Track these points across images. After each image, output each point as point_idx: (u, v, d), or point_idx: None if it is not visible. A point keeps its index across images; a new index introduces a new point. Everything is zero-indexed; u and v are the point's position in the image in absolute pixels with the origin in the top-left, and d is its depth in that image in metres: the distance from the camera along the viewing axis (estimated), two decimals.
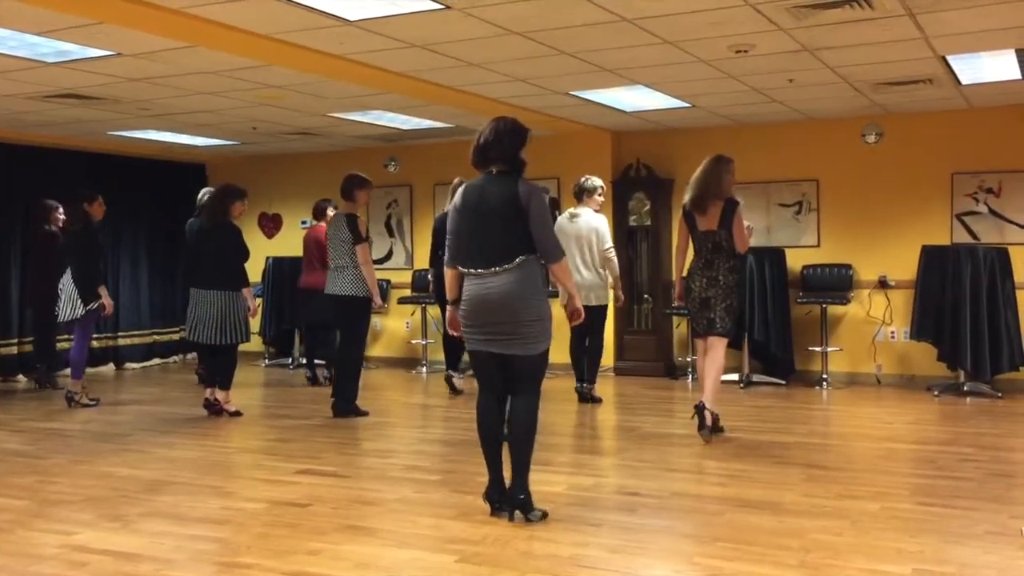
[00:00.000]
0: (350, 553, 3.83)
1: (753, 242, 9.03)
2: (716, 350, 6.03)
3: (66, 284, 7.67)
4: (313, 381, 8.90)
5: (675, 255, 6.43)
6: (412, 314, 10.51)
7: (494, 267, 4.11)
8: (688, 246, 6.19)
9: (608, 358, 9.65)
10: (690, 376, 9.08)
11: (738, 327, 6.25)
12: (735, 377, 8.78)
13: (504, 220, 4.13)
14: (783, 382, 8.65)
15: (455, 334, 4.46)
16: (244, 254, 7.15)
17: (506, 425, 4.27)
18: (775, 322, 8.58)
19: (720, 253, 5.99)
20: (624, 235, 9.58)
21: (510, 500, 4.18)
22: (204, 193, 8.01)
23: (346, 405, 6.97)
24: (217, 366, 7.27)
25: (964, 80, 7.10)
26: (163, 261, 11.19)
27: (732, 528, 4.13)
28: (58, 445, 6.22)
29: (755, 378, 8.72)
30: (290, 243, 10.74)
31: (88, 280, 7.63)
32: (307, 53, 6.01)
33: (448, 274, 4.36)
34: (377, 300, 7.03)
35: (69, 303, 7.63)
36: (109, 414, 7.54)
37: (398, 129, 9.40)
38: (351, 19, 5.33)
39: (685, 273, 6.31)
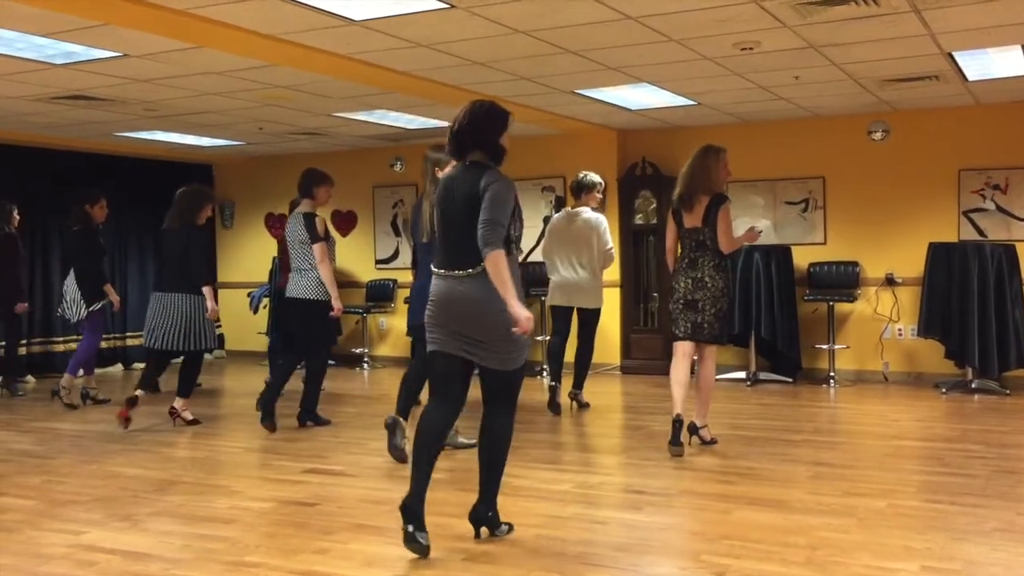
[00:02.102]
0: (357, 552, 3.85)
1: (760, 240, 9.08)
2: (709, 361, 5.72)
3: (69, 285, 7.66)
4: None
5: (666, 255, 6.00)
6: None
7: (458, 270, 3.73)
8: (677, 245, 5.85)
9: (614, 356, 9.68)
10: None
11: (725, 329, 5.89)
12: (742, 375, 8.79)
13: (468, 218, 3.70)
14: (790, 380, 8.65)
15: None
16: (207, 257, 6.91)
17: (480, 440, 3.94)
18: (782, 320, 8.57)
19: (704, 251, 5.61)
20: (630, 233, 9.59)
21: (478, 518, 3.92)
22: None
23: (308, 414, 6.70)
24: (182, 372, 6.90)
25: (971, 76, 7.08)
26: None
27: (739, 526, 4.12)
28: (66, 445, 6.25)
29: (762, 376, 8.72)
30: None
31: (90, 281, 7.61)
32: (313, 53, 6.02)
33: None
34: (336, 304, 6.52)
35: (75, 304, 7.62)
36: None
37: (404, 129, 9.41)
38: (356, 19, 5.34)
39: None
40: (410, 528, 3.67)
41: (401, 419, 5.51)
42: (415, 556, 3.76)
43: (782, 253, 8.76)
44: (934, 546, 3.80)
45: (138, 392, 6.70)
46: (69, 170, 9.91)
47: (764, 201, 9.30)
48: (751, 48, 6.10)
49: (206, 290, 6.71)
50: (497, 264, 3.60)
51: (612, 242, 7.29)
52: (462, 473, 5.17)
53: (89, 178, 9.92)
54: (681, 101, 8.01)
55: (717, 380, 8.79)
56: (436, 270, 3.85)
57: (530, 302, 9.46)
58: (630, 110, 8.45)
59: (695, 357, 5.76)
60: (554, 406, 7.13)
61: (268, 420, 6.49)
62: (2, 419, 7.30)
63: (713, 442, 5.80)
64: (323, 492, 4.85)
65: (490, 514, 3.92)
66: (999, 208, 8.40)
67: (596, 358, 9.59)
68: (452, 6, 5.09)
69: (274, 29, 5.53)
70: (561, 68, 6.65)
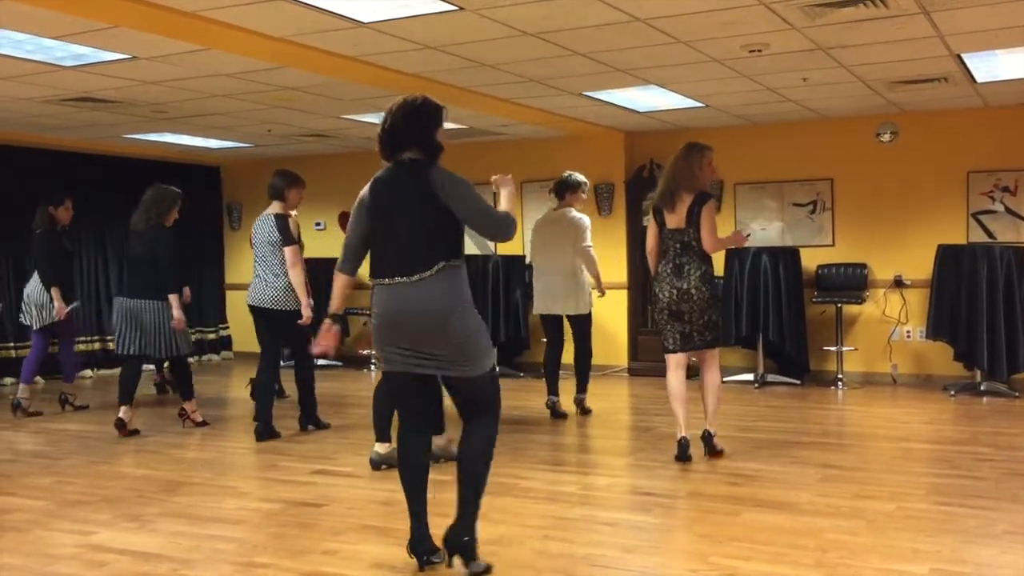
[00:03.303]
0: (365, 553, 3.85)
1: (766, 241, 9.10)
2: (712, 365, 5.43)
3: (32, 290, 7.42)
4: (279, 394, 7.91)
5: (649, 258, 5.59)
6: None
7: (407, 276, 3.43)
8: (658, 246, 5.49)
9: (621, 358, 9.68)
10: None
11: (721, 333, 5.56)
12: (750, 377, 8.78)
13: (418, 219, 3.46)
14: (798, 382, 8.63)
15: (319, 351, 3.76)
16: (177, 261, 6.54)
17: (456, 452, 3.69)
18: (790, 322, 8.55)
19: (690, 256, 5.30)
20: (637, 235, 9.58)
21: (451, 542, 3.51)
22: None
23: (308, 419, 6.58)
24: (177, 377, 6.82)
25: (979, 78, 7.06)
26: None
27: (748, 528, 4.12)
28: (75, 446, 6.26)
29: (770, 378, 8.70)
30: (306, 246, 10.77)
31: (55, 284, 7.35)
32: (321, 55, 6.03)
33: (336, 280, 3.70)
34: (306, 312, 6.11)
35: (43, 309, 7.35)
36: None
37: None
38: (365, 21, 5.35)
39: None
40: (425, 557, 3.55)
41: (383, 447, 5.29)
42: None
43: (790, 255, 8.74)
44: (944, 549, 3.79)
45: (122, 412, 6.47)
46: (79, 173, 9.93)
47: (772, 203, 9.29)
48: (759, 50, 6.09)
49: (172, 299, 6.42)
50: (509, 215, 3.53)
51: (591, 240, 6.90)
52: None
53: (97, 181, 9.99)
54: (689, 103, 8.01)
55: (724, 382, 8.80)
56: (380, 280, 3.51)
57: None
58: (638, 112, 8.45)
59: (695, 362, 5.55)
60: (557, 415, 7.01)
61: (269, 434, 6.32)
62: (11, 420, 7.32)
63: (720, 452, 5.56)
64: (331, 493, 4.85)
65: (466, 539, 3.51)
66: (1008, 210, 8.38)
67: (603, 360, 9.66)
68: (461, 8, 5.09)
69: (283, 31, 5.55)
70: (569, 70, 6.65)
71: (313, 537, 4.09)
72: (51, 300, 7.34)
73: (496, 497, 4.70)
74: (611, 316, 9.70)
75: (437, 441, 5.27)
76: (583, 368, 7.12)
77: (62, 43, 5.66)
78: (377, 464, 5.33)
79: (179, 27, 5.27)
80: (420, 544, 3.57)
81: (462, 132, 9.45)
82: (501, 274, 9.49)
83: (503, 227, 3.52)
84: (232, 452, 6.12)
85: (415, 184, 3.48)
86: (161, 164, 10.94)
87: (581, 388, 7.18)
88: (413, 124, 3.54)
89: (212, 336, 11.77)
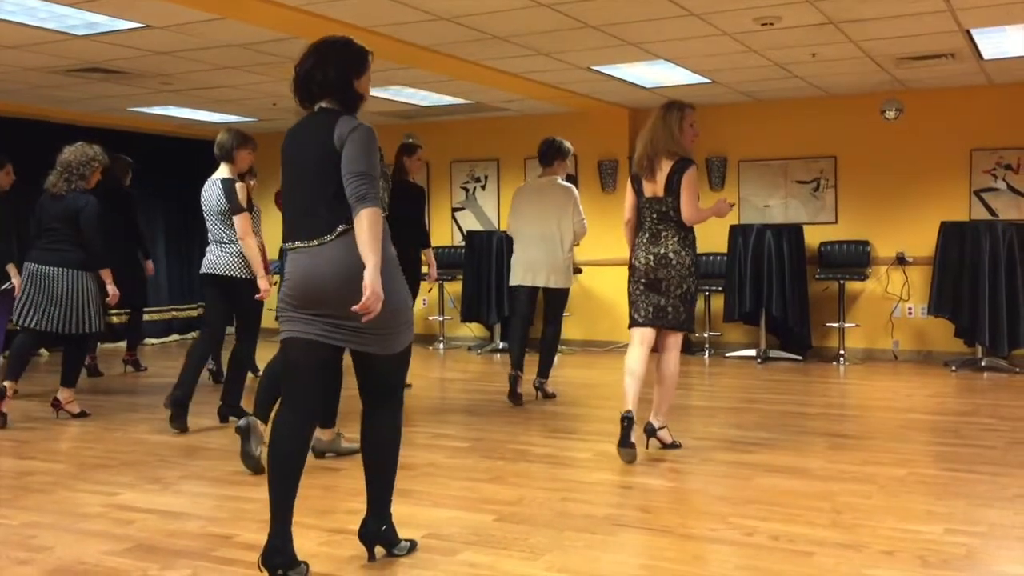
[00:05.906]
0: None
1: (769, 218, 9.16)
2: (673, 351, 4.98)
3: None
4: (216, 376, 7.61)
5: (625, 230, 5.09)
6: (429, 291, 10.55)
7: (307, 241, 3.04)
8: (636, 216, 5.01)
9: (624, 335, 9.67)
10: (707, 352, 9.14)
11: (692, 314, 5.03)
12: (752, 353, 8.86)
13: (319, 175, 3.03)
14: (800, 358, 8.71)
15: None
16: (103, 230, 5.98)
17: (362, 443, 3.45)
18: (792, 298, 8.62)
19: (667, 224, 4.83)
20: None
21: (371, 535, 3.30)
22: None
23: (229, 409, 5.84)
24: (65, 358, 6.09)
25: (986, 55, 7.11)
26: (180, 238, 11.26)
27: (763, 491, 4.19)
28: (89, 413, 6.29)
29: (772, 354, 8.78)
30: None
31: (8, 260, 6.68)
32: (333, 25, 6.01)
33: None
34: (262, 283, 5.57)
35: None
36: (133, 386, 7.65)
37: (417, 106, 9.43)
38: None
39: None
40: (280, 572, 3.02)
41: (258, 421, 4.58)
42: (447, 517, 3.83)
43: (793, 232, 8.80)
44: (956, 511, 3.87)
45: (6, 383, 5.97)
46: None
47: (776, 180, 9.34)
48: (771, 23, 6.12)
49: (105, 274, 5.93)
50: (373, 223, 2.91)
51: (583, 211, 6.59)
52: (486, 443, 5.25)
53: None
54: (696, 79, 8.04)
55: (727, 358, 8.95)
56: (286, 244, 3.15)
57: None
58: (644, 88, 8.47)
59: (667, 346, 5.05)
60: (515, 396, 6.45)
61: (179, 422, 5.66)
62: (22, 389, 7.31)
63: (676, 445, 5.03)
64: (348, 457, 4.90)
65: (384, 528, 3.32)
66: (1010, 188, 8.45)
67: (606, 335, 9.75)
68: None
69: (297, 0, 5.55)
70: (580, 43, 6.67)
71: (335, 498, 4.15)
72: None
73: (511, 463, 4.78)
74: (613, 292, 9.74)
75: (323, 435, 4.88)
76: (552, 349, 6.69)
77: (77, 10, 5.66)
78: (243, 431, 4.57)
79: None
80: (277, 555, 3.04)
81: (468, 107, 9.46)
82: (505, 249, 9.52)
83: (360, 192, 2.95)
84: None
85: (317, 137, 3.05)
86: (163, 138, 10.93)
87: (544, 372, 6.67)
88: (328, 69, 3.10)
89: None
